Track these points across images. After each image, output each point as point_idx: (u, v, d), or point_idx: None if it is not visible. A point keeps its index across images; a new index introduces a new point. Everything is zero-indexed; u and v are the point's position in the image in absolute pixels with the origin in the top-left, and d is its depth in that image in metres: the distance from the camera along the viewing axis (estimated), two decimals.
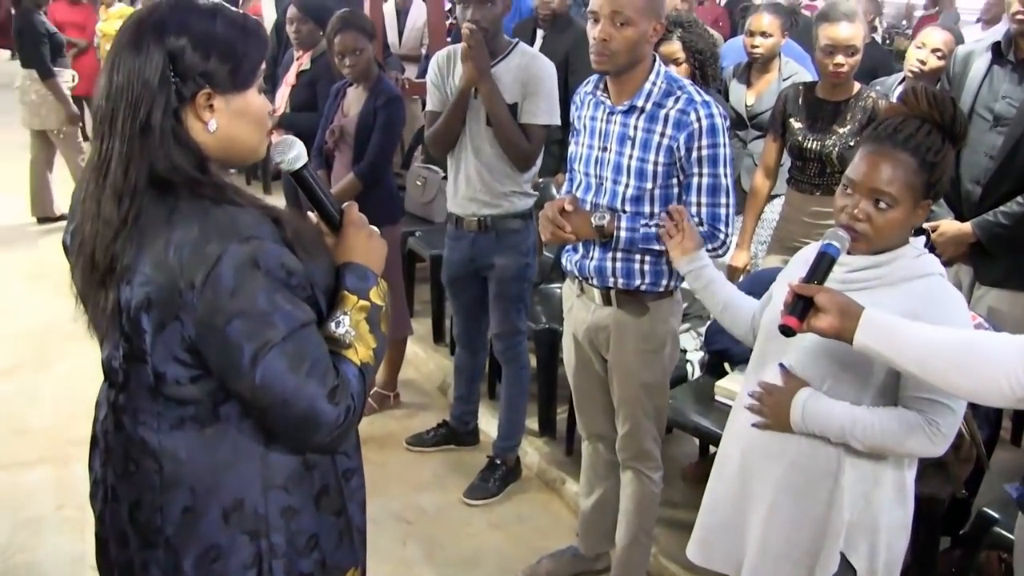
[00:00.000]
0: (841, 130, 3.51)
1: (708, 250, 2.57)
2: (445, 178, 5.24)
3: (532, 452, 3.91)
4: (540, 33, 4.70)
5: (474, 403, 3.98)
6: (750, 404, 2.07)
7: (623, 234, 2.56)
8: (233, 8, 1.54)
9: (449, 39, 5.96)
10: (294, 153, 1.61)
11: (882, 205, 1.85)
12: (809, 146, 3.54)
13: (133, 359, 1.46)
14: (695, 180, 2.54)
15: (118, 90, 1.43)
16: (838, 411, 1.92)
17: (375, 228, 1.67)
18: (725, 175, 2.55)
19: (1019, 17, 3.13)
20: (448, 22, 6.47)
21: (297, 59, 4.66)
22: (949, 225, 3.27)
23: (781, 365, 2.03)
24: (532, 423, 3.99)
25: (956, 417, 1.86)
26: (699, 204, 2.55)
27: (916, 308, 1.83)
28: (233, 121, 1.49)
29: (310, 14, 4.58)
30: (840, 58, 3.44)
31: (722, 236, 2.57)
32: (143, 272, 1.40)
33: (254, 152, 1.57)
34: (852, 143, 3.44)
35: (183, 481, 1.49)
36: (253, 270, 1.38)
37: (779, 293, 1.98)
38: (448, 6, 6.41)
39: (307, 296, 1.47)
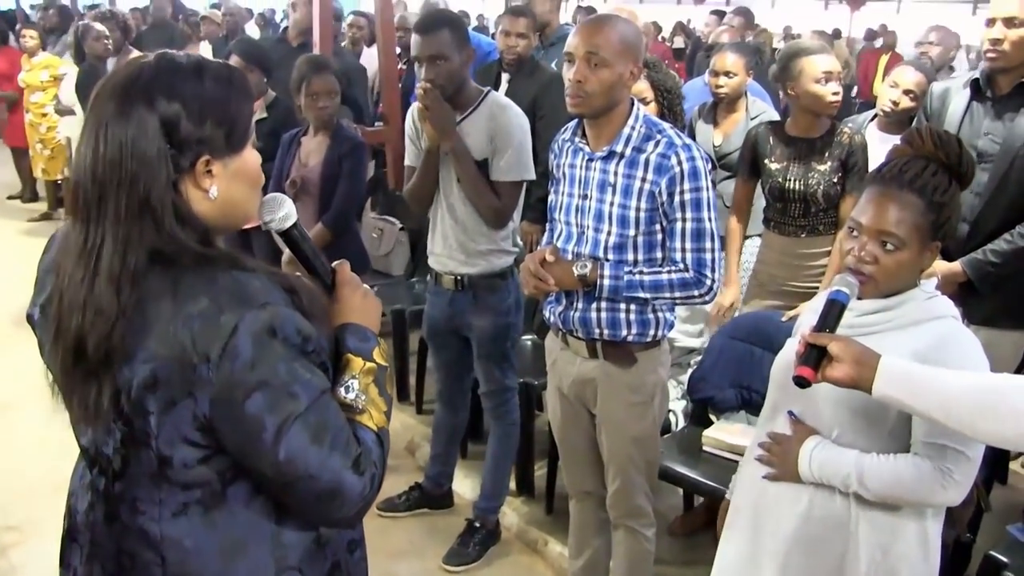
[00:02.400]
0: (821, 167, 3.54)
1: (695, 296, 2.59)
2: (403, 229, 5.32)
3: (511, 513, 3.86)
4: (505, 77, 4.72)
5: (451, 464, 3.93)
6: (759, 455, 2.08)
7: (606, 282, 2.57)
8: (215, 60, 1.49)
9: (400, 86, 6.02)
10: (284, 211, 1.59)
11: (889, 247, 1.88)
12: (791, 187, 3.56)
13: (133, 443, 1.40)
14: (679, 225, 2.55)
15: (108, 167, 1.35)
16: (846, 459, 1.93)
17: (368, 287, 1.66)
18: (709, 219, 2.56)
19: (991, 55, 3.23)
20: (399, 67, 6.50)
21: None
22: (938, 264, 3.34)
23: (790, 413, 2.04)
24: (510, 482, 3.93)
25: (971, 464, 1.86)
26: (684, 250, 2.56)
27: (928, 352, 1.84)
28: (232, 184, 1.45)
29: (255, 62, 4.57)
30: (835, 85, 3.53)
31: (708, 282, 2.57)
32: (146, 350, 1.34)
33: (251, 213, 1.53)
34: (835, 179, 3.51)
35: (189, 572, 1.43)
36: (271, 339, 1.35)
37: (792, 343, 1.99)
38: (398, 51, 6.44)
39: (320, 362, 1.44)
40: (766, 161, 3.65)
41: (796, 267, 3.64)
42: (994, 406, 1.68)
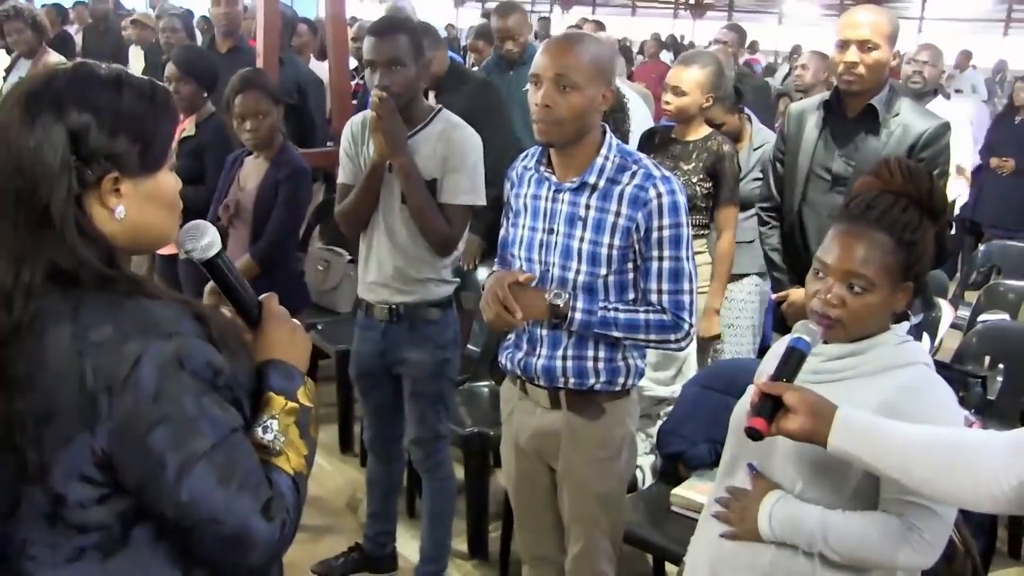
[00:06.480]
0: (685, 167, 4.09)
1: (670, 341, 2.64)
2: (351, 261, 5.36)
3: None
4: (431, 94, 4.88)
5: (391, 521, 3.95)
6: (716, 511, 2.15)
7: (578, 316, 2.59)
8: (138, 76, 1.57)
9: (355, 102, 6.11)
10: (207, 240, 1.65)
11: (857, 289, 1.97)
12: None
13: (24, 480, 1.44)
14: (655, 264, 2.61)
15: (8, 175, 1.43)
16: (809, 516, 2.00)
17: (297, 322, 1.73)
18: (687, 258, 2.62)
19: (847, 79, 3.52)
20: (354, 83, 6.59)
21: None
22: (798, 294, 3.51)
23: (749, 466, 2.12)
24: (460, 543, 4.00)
25: (942, 523, 1.94)
26: (660, 291, 2.61)
27: (896, 401, 1.93)
28: (143, 206, 1.51)
29: (192, 73, 4.62)
30: (669, 96, 4.14)
31: (686, 326, 2.62)
32: (42, 378, 1.41)
33: (165, 238, 1.60)
34: (695, 180, 4.06)
35: None
36: (178, 370, 1.41)
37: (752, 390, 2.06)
38: (354, 64, 6.54)
39: (233, 399, 1.50)
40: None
41: None
42: (952, 467, 1.76)
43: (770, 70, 15.85)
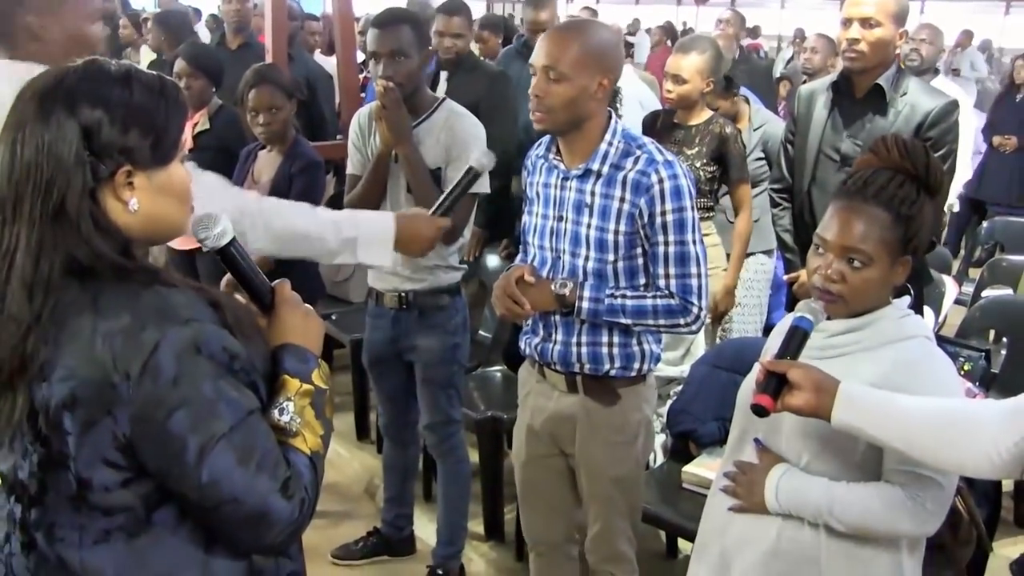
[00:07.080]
0: (689, 152, 4.10)
1: (680, 325, 2.66)
2: None
3: (478, 559, 3.97)
4: (443, 76, 4.90)
5: (408, 505, 4.00)
6: (724, 486, 2.19)
7: (586, 304, 2.62)
8: (146, 71, 1.59)
9: (363, 95, 6.14)
10: (219, 228, 1.68)
11: (856, 264, 1.99)
12: None
13: (51, 466, 1.48)
14: (661, 249, 2.61)
15: (24, 170, 1.45)
16: (815, 489, 2.04)
17: (310, 306, 1.76)
18: (694, 242, 2.62)
19: (850, 56, 3.55)
20: (362, 76, 6.63)
21: (189, 119, 4.71)
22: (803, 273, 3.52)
23: (756, 440, 2.16)
24: (476, 526, 4.04)
25: (944, 492, 1.97)
26: (668, 276, 2.62)
27: (898, 374, 1.97)
28: (156, 199, 1.54)
29: (201, 68, 4.67)
30: (670, 85, 4.16)
31: (695, 310, 2.62)
32: (64, 367, 1.44)
33: (178, 229, 1.63)
34: (699, 164, 4.08)
35: None
36: (195, 355, 1.45)
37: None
38: (361, 59, 6.55)
39: (249, 382, 1.54)
40: None
41: None
42: (952, 435, 1.80)
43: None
